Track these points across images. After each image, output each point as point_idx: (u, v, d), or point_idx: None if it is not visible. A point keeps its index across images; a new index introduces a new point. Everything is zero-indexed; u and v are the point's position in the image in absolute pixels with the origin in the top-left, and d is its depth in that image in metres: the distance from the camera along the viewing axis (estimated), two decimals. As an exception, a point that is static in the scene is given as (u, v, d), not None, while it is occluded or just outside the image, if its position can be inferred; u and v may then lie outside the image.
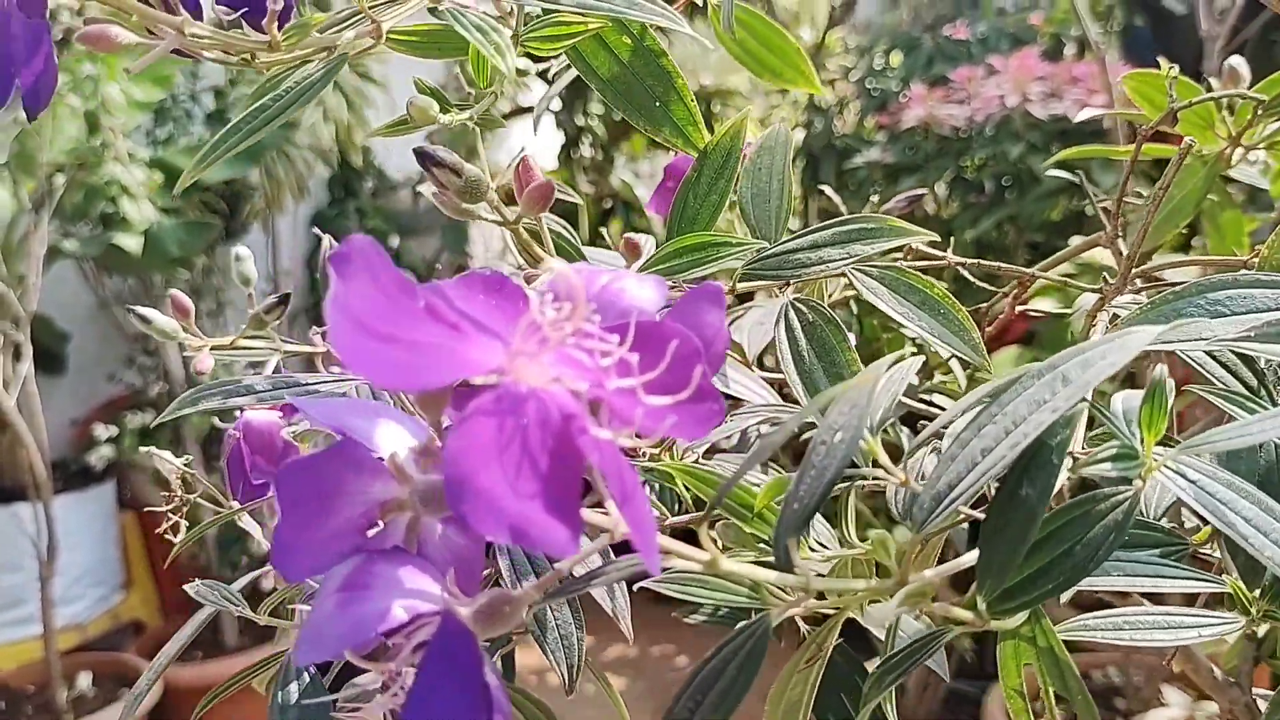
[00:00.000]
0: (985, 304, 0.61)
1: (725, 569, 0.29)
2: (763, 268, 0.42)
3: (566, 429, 0.26)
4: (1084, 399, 0.29)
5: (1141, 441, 0.31)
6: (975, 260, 0.56)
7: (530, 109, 3.76)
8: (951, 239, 2.14)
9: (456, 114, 0.41)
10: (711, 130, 0.45)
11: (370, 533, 0.31)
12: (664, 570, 0.36)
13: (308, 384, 0.41)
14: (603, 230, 3.52)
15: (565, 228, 0.43)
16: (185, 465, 0.51)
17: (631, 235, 0.42)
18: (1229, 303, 0.40)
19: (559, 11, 0.35)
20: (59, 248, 2.60)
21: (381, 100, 3.06)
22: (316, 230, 0.59)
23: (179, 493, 0.51)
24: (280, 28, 0.38)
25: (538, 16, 0.38)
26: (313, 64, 0.37)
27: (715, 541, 0.31)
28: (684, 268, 0.41)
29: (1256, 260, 0.45)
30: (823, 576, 0.30)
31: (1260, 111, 0.57)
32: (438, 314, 0.27)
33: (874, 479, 0.34)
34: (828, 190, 0.80)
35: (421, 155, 0.38)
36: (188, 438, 2.67)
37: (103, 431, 2.64)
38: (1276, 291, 0.40)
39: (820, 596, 0.33)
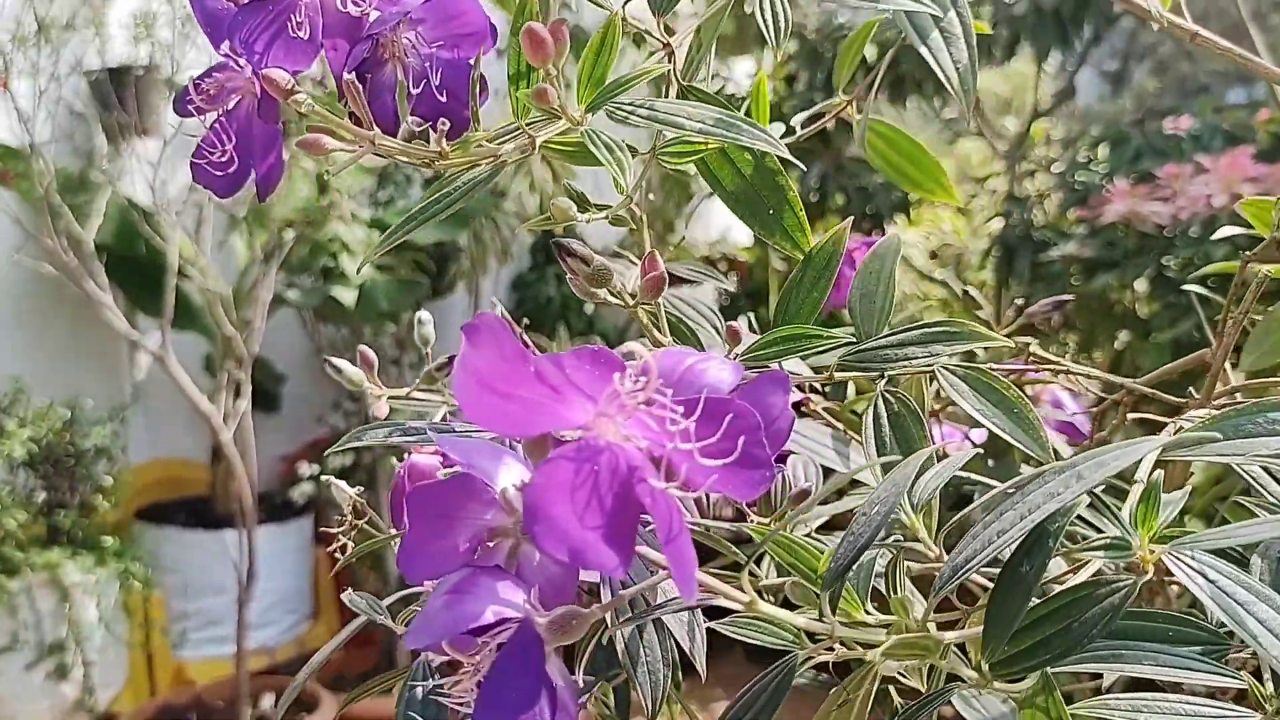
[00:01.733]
0: (1097, 407, 0.64)
1: (762, 610, 0.35)
2: (855, 360, 0.48)
3: (630, 478, 0.32)
4: (1088, 492, 0.34)
5: (1136, 535, 0.35)
6: (1087, 371, 0.60)
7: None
8: (1149, 337, 2.08)
9: (594, 214, 0.48)
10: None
11: (479, 552, 0.38)
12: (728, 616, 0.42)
13: (459, 430, 0.48)
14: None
15: (678, 317, 0.50)
16: (358, 495, 0.59)
17: (734, 324, 0.48)
18: (1282, 423, 0.43)
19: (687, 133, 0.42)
20: (283, 297, 2.83)
21: (585, 171, 3.23)
22: (495, 300, 0.67)
23: (350, 519, 0.59)
24: (459, 135, 0.46)
25: (672, 136, 0.45)
26: (480, 166, 0.45)
27: (764, 591, 0.37)
28: (779, 354, 0.47)
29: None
30: (845, 626, 0.35)
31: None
32: (545, 378, 0.34)
33: (912, 550, 0.39)
34: (972, 292, 0.85)
35: (558, 246, 0.45)
36: (380, 480, 2.84)
37: (306, 469, 2.84)
38: (1328, 414, 0.43)
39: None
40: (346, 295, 2.77)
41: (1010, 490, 0.36)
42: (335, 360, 0.63)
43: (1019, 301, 0.84)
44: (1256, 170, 2.46)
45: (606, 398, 0.33)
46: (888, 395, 0.48)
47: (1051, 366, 0.64)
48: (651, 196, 3.68)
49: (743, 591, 0.35)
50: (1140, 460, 0.37)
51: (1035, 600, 0.35)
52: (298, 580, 2.90)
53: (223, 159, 0.49)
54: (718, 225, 4.04)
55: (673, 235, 3.75)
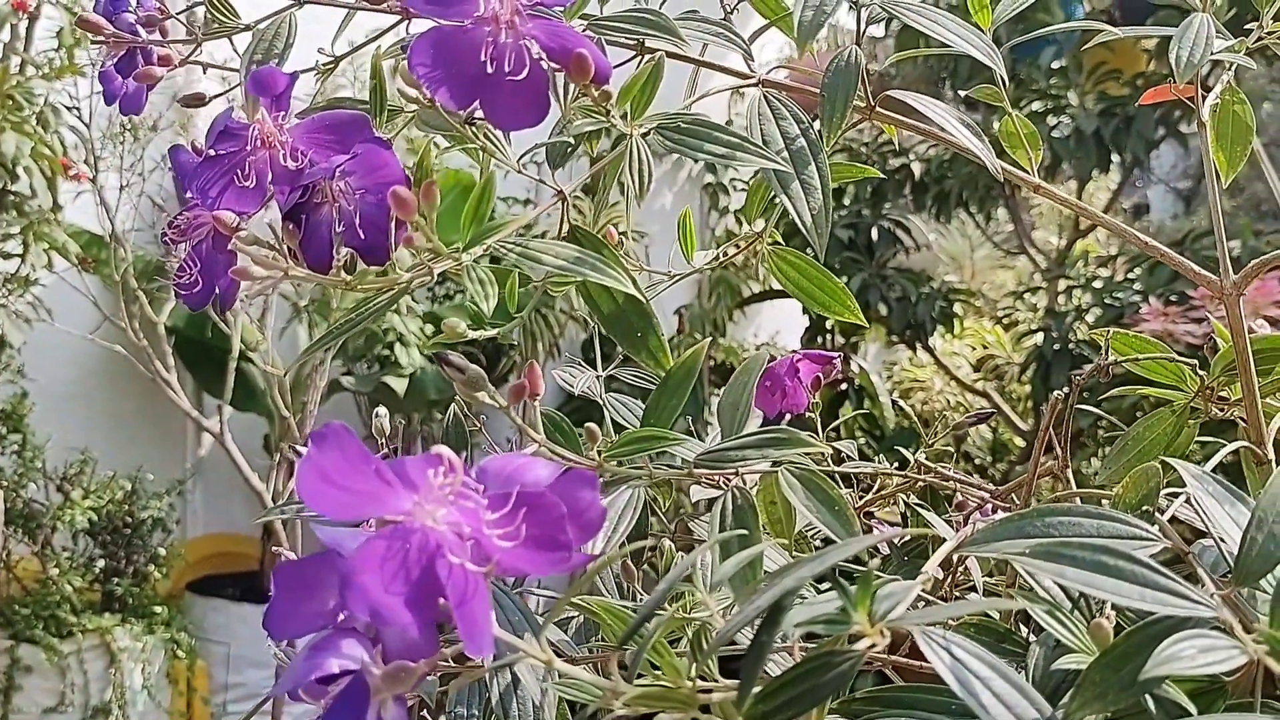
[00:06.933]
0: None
1: (559, 668, 0.42)
2: (704, 460, 0.56)
3: (433, 555, 0.40)
4: (822, 580, 0.41)
5: (855, 611, 0.42)
6: (965, 479, 0.67)
7: (778, 293, 3.97)
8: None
9: (485, 332, 0.57)
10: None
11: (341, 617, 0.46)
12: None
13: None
14: (838, 413, 3.64)
15: (561, 417, 0.58)
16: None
17: (591, 425, 0.56)
18: (1059, 526, 0.50)
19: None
20: (339, 382, 2.97)
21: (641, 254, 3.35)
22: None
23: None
24: (383, 264, 0.56)
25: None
26: (389, 292, 0.54)
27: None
28: (637, 451, 0.55)
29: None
30: (633, 685, 0.42)
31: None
32: (380, 474, 0.43)
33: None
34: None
35: (439, 358, 0.54)
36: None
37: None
38: (1095, 522, 0.50)
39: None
40: (398, 383, 2.90)
41: (776, 573, 0.44)
42: (297, 448, 0.72)
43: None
44: (1283, 297, 2.49)
45: (424, 490, 0.42)
46: (734, 490, 0.55)
47: (940, 476, 0.72)
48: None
49: (542, 651, 0.43)
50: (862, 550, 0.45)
51: (791, 663, 0.43)
52: (340, 657, 2.99)
53: (191, 280, 0.59)
54: (767, 328, 4.12)
55: (722, 337, 3.85)
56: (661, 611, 0.51)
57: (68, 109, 2.67)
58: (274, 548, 0.67)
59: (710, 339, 3.77)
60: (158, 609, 2.52)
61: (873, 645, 0.42)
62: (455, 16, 0.50)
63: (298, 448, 0.73)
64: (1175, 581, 0.46)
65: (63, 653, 2.26)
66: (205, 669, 2.71)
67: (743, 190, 3.99)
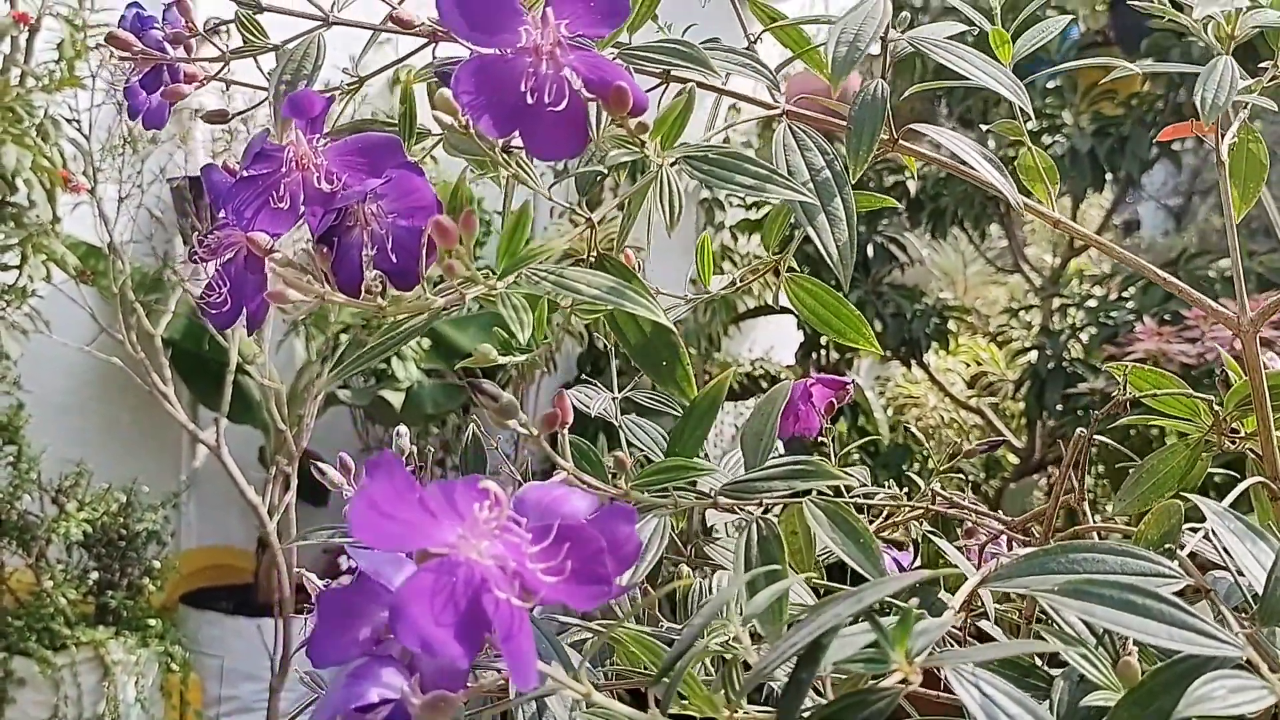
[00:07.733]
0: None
1: (595, 700, 0.42)
2: (729, 490, 0.56)
3: (480, 588, 0.41)
4: (855, 616, 0.42)
5: (893, 650, 0.43)
6: (980, 509, 0.67)
7: (773, 308, 3.98)
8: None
9: (516, 356, 0.57)
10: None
11: (381, 644, 0.46)
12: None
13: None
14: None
15: (588, 445, 0.59)
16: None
17: (620, 454, 0.57)
18: (1083, 563, 0.50)
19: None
20: (335, 395, 2.97)
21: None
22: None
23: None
24: (413, 288, 0.56)
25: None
26: (420, 316, 0.55)
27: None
28: (664, 481, 0.55)
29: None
30: (667, 717, 0.43)
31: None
32: (425, 505, 0.43)
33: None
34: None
35: (470, 385, 0.54)
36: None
37: (345, 562, 2.94)
38: (1118, 558, 0.50)
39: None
40: (394, 397, 2.90)
41: (811, 611, 0.44)
42: (321, 464, 0.73)
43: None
44: (1278, 315, 2.50)
45: (468, 523, 0.42)
46: (759, 522, 0.56)
47: (955, 506, 0.72)
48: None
49: (582, 685, 0.43)
50: (910, 585, 0.45)
51: (824, 701, 0.43)
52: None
53: (219, 300, 0.59)
54: (761, 343, 4.13)
55: (717, 352, 3.85)
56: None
57: (68, 121, 2.67)
58: (302, 571, 0.67)
59: (727, 361, 3.79)
60: (152, 622, 2.51)
61: (906, 682, 0.42)
62: (497, 45, 0.51)
63: (318, 463, 0.74)
64: (1203, 621, 0.47)
65: (56, 665, 2.25)
66: (199, 682, 2.70)
67: (738, 206, 4.00)
